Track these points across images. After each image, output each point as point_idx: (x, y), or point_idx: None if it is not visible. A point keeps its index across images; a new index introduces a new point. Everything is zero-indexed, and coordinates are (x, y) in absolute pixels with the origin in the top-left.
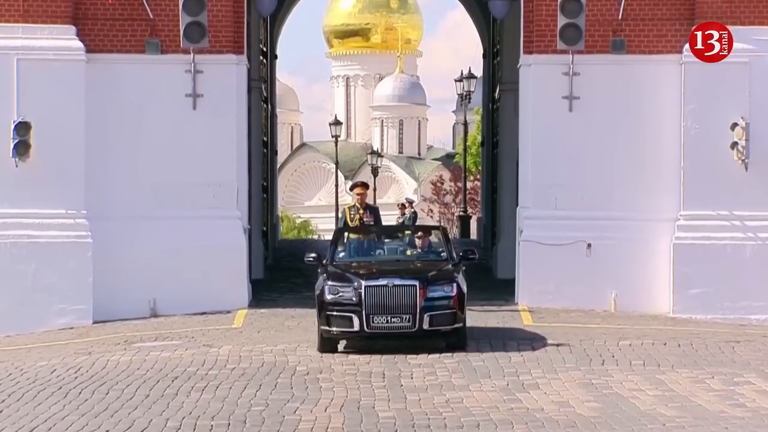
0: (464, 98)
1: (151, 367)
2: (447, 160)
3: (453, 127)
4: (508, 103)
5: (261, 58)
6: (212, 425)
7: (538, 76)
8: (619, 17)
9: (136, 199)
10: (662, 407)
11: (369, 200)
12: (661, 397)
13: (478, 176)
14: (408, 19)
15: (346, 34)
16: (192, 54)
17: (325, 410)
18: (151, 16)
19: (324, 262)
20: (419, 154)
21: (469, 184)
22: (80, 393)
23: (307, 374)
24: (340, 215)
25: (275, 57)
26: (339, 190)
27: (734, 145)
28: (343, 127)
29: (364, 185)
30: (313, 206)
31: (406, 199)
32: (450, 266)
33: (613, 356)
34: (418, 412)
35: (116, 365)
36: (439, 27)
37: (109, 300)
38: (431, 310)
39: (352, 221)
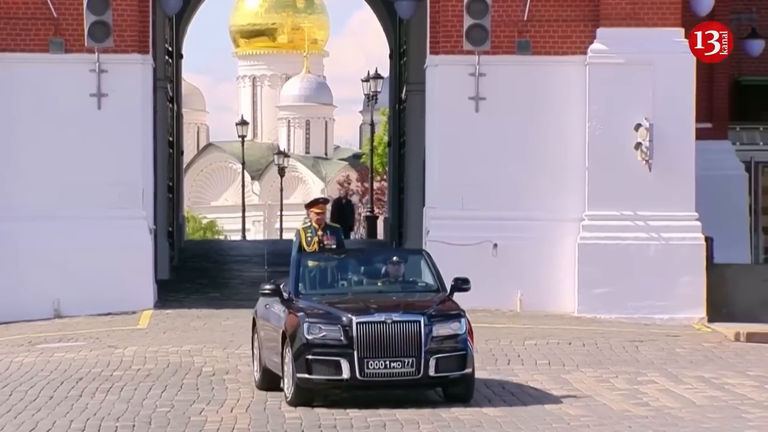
0: (371, 98)
1: (55, 368)
2: (354, 160)
3: (360, 127)
4: (415, 103)
5: (166, 57)
6: (117, 426)
7: (445, 76)
8: (525, 18)
9: (40, 198)
10: (567, 406)
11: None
12: (566, 396)
13: (385, 176)
14: (314, 19)
15: (253, 33)
16: (97, 53)
17: (231, 411)
18: (55, 15)
19: (286, 295)
20: (326, 154)
21: (375, 185)
22: None
23: (213, 375)
24: (294, 238)
25: (181, 56)
26: (245, 191)
27: (638, 145)
28: (250, 127)
29: (325, 202)
30: (220, 206)
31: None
32: (446, 298)
33: (519, 356)
34: (325, 412)
35: (20, 366)
36: (345, 27)
37: (12, 300)
38: (438, 352)
39: (309, 245)
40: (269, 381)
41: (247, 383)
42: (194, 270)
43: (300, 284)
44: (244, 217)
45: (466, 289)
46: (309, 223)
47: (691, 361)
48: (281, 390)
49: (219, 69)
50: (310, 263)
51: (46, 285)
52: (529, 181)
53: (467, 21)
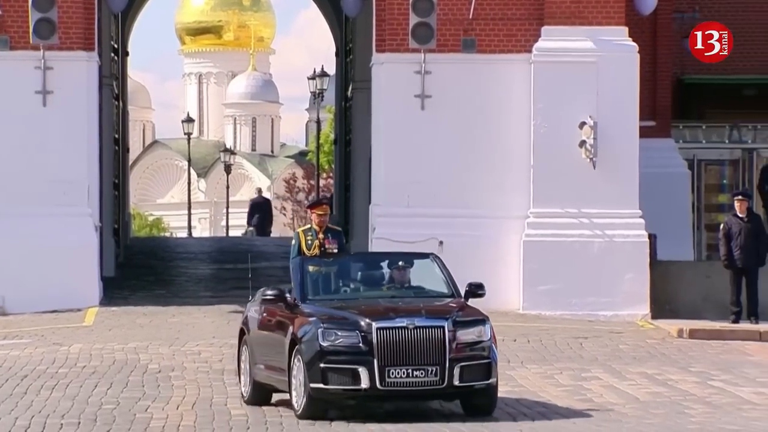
0: (317, 96)
1: None
2: (300, 157)
3: (306, 124)
4: (361, 101)
5: (112, 54)
6: (62, 424)
7: (390, 74)
8: (470, 16)
9: None
10: (512, 403)
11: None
12: (510, 392)
13: (332, 174)
14: (260, 17)
15: (199, 31)
16: (42, 50)
17: (177, 408)
18: (0, 12)
19: (292, 301)
20: (272, 151)
21: (322, 182)
22: None
23: (158, 372)
24: (293, 241)
25: (127, 54)
26: (191, 188)
27: (582, 143)
28: (196, 124)
29: (328, 205)
30: (166, 204)
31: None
32: (465, 304)
33: None
34: (270, 409)
35: None
36: (291, 25)
37: None
38: (463, 360)
39: (309, 249)
40: (260, 395)
41: (193, 380)
42: (140, 267)
43: (305, 288)
44: (190, 214)
45: (481, 295)
46: (309, 225)
47: (635, 357)
48: (272, 405)
49: (165, 66)
50: (311, 268)
51: None
52: (474, 179)
53: (413, 19)
